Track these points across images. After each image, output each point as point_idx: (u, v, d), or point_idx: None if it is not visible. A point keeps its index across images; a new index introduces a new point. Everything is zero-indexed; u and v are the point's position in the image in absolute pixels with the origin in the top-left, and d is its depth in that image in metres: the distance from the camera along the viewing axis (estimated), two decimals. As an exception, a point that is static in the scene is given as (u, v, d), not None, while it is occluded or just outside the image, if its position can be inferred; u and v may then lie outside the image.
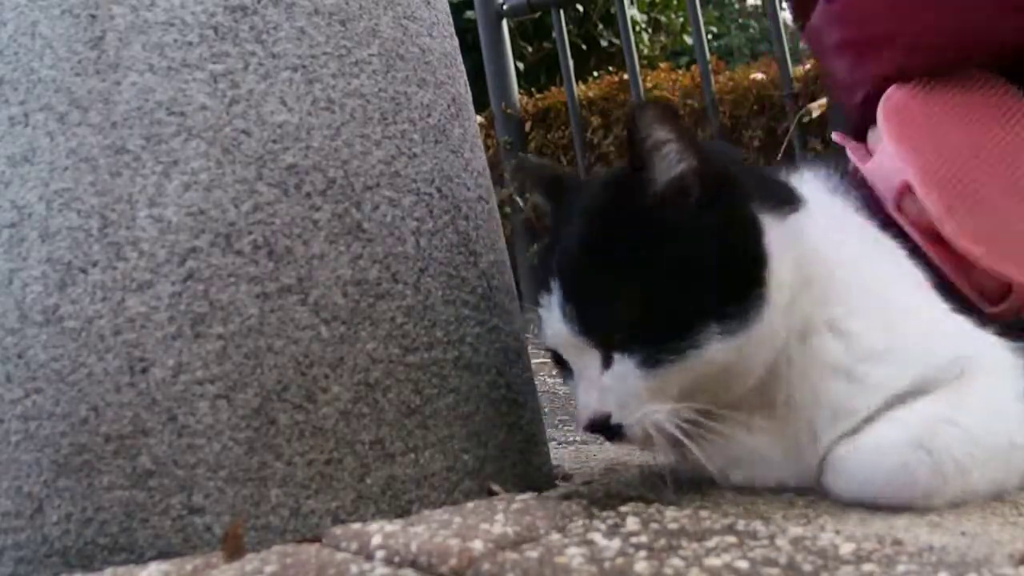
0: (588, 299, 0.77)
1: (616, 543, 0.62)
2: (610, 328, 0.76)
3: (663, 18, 4.98)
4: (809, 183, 0.89)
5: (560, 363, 0.81)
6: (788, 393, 0.78)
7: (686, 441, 0.75)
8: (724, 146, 1.06)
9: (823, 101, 2.40)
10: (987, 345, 0.79)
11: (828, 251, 0.81)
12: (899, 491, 0.72)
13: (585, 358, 0.77)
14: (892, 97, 0.99)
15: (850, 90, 1.07)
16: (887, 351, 0.77)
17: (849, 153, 1.00)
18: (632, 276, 0.75)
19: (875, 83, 1.02)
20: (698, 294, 0.74)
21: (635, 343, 0.75)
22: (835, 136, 1.06)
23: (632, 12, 4.01)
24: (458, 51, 1.00)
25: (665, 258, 0.75)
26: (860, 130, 1.03)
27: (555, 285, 0.78)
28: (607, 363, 0.76)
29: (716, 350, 0.74)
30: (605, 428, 0.77)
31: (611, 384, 0.76)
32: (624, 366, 0.75)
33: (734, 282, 0.75)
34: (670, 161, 0.76)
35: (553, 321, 0.78)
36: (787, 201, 0.82)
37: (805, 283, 0.78)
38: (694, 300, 0.74)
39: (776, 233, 0.77)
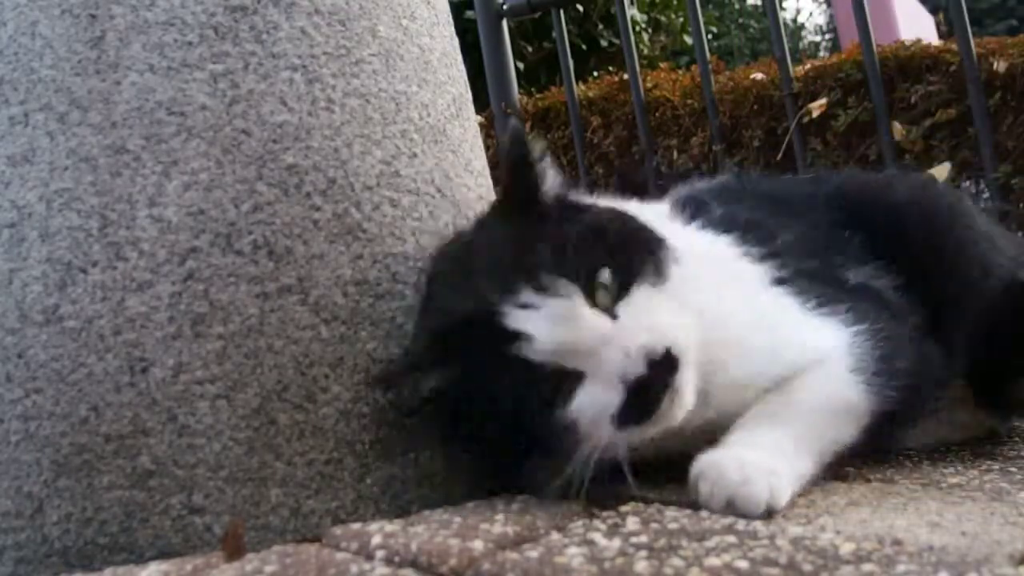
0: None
1: (616, 543, 0.62)
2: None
3: (663, 18, 4.98)
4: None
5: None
6: None
7: None
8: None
9: (823, 101, 2.40)
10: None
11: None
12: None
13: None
14: None
15: None
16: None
17: None
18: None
19: None
20: None
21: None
22: None
23: (632, 12, 4.01)
24: (458, 51, 1.00)
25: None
26: None
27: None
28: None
29: None
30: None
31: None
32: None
33: None
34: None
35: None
36: None
37: None
38: None
39: None
